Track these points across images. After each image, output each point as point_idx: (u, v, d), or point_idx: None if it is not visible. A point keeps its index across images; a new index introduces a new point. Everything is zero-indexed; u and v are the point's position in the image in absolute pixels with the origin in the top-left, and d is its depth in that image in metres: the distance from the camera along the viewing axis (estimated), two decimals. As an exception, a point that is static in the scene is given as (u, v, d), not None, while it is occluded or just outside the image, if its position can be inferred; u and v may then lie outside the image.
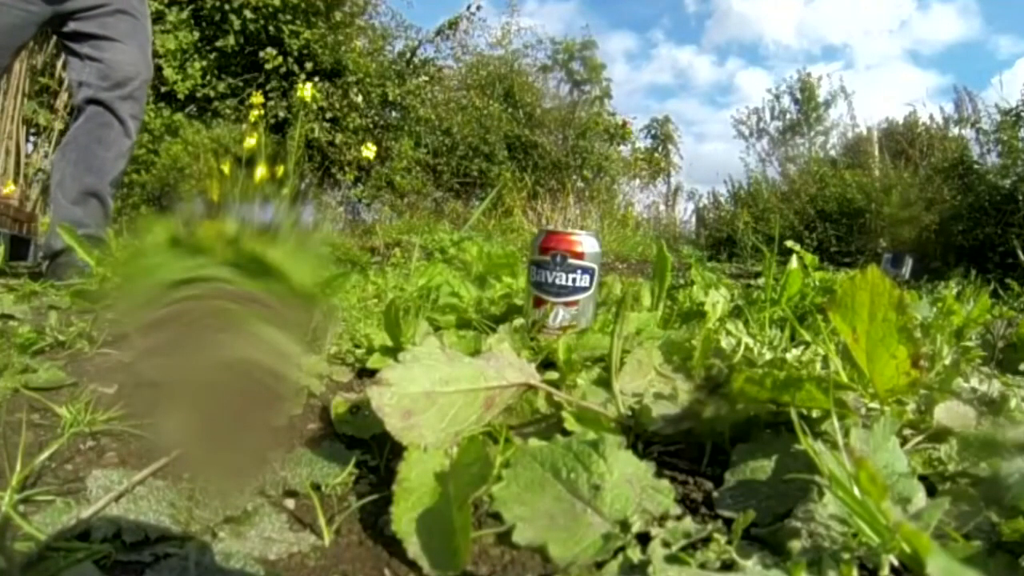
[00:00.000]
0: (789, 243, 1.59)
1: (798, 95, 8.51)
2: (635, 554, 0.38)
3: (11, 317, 1.02)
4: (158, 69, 4.61)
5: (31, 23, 1.65)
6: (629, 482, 0.44)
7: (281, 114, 5.55)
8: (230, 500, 0.45)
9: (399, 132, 6.37)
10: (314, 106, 5.59)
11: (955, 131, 6.57)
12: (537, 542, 0.40)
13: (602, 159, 7.34)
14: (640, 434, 0.57)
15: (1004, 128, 5.17)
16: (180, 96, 5.27)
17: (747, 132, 8.74)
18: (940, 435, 0.54)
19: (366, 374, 0.82)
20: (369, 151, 5.04)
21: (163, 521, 0.42)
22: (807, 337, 0.86)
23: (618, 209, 7.37)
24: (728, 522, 0.43)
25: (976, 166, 5.40)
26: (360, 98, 5.94)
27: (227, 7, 5.33)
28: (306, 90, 4.73)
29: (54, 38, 1.99)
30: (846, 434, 0.46)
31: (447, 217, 6.08)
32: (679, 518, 0.41)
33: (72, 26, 1.71)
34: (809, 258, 1.30)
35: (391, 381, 0.51)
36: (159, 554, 0.39)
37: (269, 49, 5.47)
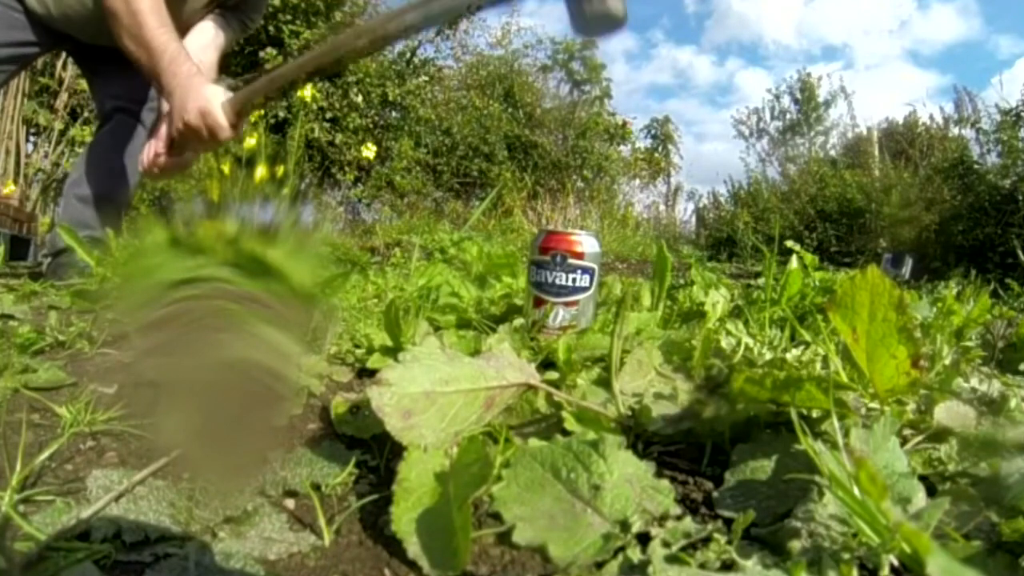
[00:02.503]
0: (789, 243, 1.59)
1: (798, 95, 8.53)
2: (635, 554, 0.38)
3: (11, 317, 1.02)
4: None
5: (45, 44, 1.63)
6: (629, 482, 0.44)
7: (281, 114, 5.54)
8: (230, 500, 0.45)
9: (399, 132, 6.37)
10: (314, 106, 5.59)
11: (955, 131, 6.59)
12: (537, 542, 0.40)
13: (602, 159, 7.34)
14: (640, 434, 0.57)
15: (1004, 128, 5.18)
16: (180, 96, 5.26)
17: (747, 132, 8.76)
18: (940, 435, 0.53)
19: (366, 374, 0.82)
20: (369, 151, 5.04)
21: (163, 521, 0.42)
22: (807, 337, 0.85)
23: (618, 209, 7.36)
24: (728, 522, 0.43)
25: (976, 166, 5.40)
26: (360, 98, 5.94)
27: (227, 7, 5.33)
28: (306, 90, 4.73)
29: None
30: (846, 434, 0.46)
31: (447, 217, 6.08)
32: (679, 518, 0.41)
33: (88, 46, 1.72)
34: (809, 258, 1.30)
35: (391, 381, 0.51)
36: (159, 554, 0.39)
37: (269, 49, 5.47)
